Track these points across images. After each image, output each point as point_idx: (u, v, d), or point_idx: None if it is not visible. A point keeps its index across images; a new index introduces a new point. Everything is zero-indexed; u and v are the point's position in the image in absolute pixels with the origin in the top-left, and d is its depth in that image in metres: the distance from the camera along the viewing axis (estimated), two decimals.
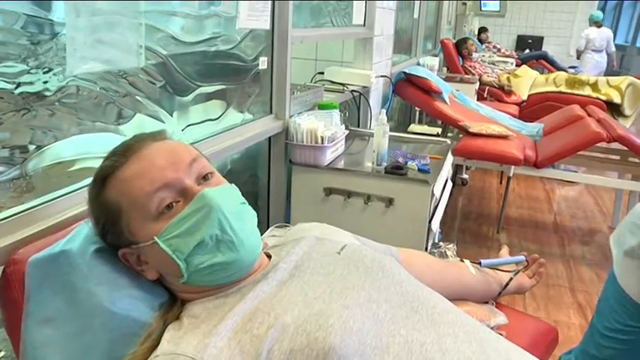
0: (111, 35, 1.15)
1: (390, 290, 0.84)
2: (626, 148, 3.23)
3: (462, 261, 1.24)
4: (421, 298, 0.85)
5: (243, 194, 0.88)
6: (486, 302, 1.23)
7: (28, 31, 1.00)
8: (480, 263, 1.23)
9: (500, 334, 1.14)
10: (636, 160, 3.29)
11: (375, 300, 0.80)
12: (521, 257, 1.29)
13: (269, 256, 0.92)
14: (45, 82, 1.04)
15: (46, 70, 1.04)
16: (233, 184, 0.89)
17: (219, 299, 0.81)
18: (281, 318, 0.73)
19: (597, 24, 7.93)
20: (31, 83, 1.01)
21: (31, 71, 1.01)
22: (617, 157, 3.50)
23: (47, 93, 1.05)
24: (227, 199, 0.82)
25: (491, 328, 1.13)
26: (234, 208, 0.83)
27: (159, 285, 0.87)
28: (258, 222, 0.88)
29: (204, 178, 0.85)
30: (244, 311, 0.76)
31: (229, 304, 0.79)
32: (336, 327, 0.72)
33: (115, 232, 0.82)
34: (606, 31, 8.00)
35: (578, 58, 8.23)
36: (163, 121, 1.40)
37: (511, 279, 1.23)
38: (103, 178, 0.83)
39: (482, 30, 8.05)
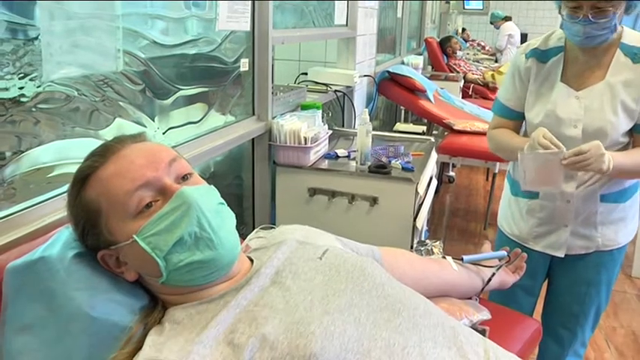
0: (87, 39, 1.15)
1: (372, 294, 0.84)
2: None
3: (444, 257, 1.25)
4: (403, 300, 0.85)
5: (227, 196, 0.88)
6: (469, 298, 1.24)
7: (7, 37, 0.99)
8: (462, 259, 1.24)
9: (484, 330, 1.15)
10: None
11: (357, 304, 0.81)
12: (503, 252, 1.30)
13: (251, 260, 0.92)
14: (21, 88, 1.03)
15: (21, 75, 1.03)
16: (212, 186, 0.89)
17: (202, 305, 0.81)
18: (262, 327, 0.73)
19: (506, 19, 7.66)
20: (5, 89, 1.00)
21: (6, 77, 1.00)
22: None
23: (23, 99, 1.04)
24: (206, 198, 0.82)
25: (475, 324, 1.14)
26: (213, 206, 0.83)
27: (139, 288, 0.87)
28: (243, 223, 0.88)
29: (183, 178, 0.85)
30: (227, 321, 0.76)
31: (212, 312, 0.79)
32: (317, 334, 0.72)
33: (94, 232, 0.82)
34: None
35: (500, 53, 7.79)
36: (144, 125, 1.40)
37: (493, 274, 1.24)
38: (82, 178, 0.83)
39: (462, 30, 8.09)
